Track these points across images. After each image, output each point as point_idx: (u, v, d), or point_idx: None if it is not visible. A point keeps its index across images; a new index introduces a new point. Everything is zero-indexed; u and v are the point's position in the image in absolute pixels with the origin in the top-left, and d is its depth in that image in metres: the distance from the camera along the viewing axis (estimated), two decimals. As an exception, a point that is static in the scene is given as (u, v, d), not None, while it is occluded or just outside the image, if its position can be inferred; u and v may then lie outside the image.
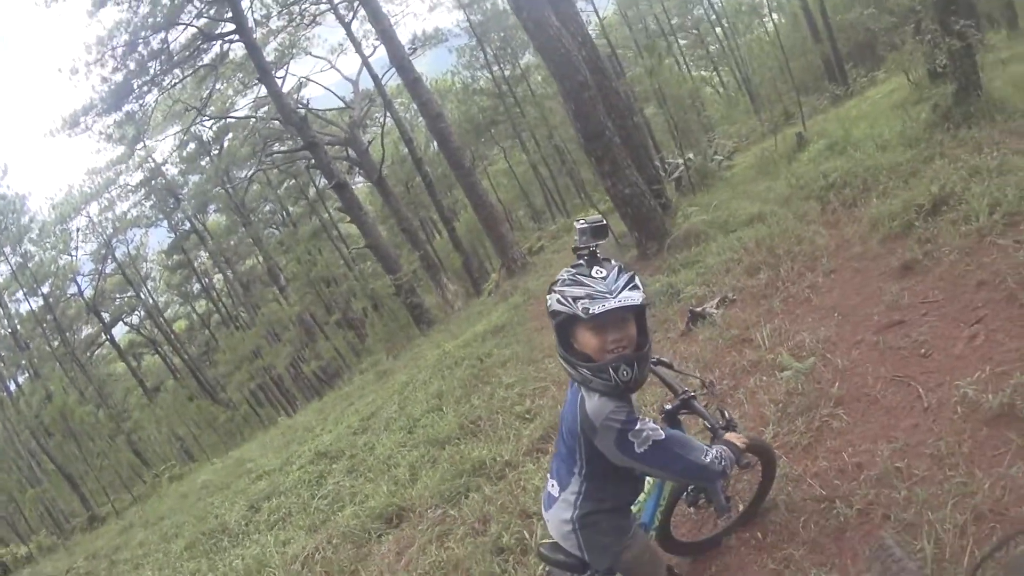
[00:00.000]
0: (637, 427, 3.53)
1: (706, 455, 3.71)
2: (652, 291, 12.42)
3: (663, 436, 3.58)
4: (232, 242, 55.07)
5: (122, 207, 53.95)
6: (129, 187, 52.68)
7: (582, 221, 3.68)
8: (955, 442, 5.05)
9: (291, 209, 58.35)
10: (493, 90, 53.58)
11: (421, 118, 36.28)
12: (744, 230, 13.07)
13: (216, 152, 47.91)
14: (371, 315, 47.60)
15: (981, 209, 8.20)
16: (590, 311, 3.38)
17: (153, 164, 51.39)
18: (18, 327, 51.33)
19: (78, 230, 53.17)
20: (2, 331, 51.28)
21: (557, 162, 51.04)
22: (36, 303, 51.97)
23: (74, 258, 54.01)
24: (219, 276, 60.07)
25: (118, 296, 58.28)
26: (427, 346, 24.60)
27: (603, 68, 18.35)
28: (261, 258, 54.22)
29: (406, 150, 41.53)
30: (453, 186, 46.48)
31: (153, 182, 52.04)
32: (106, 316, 56.83)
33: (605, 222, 3.71)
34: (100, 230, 53.44)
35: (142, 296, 57.82)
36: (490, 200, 31.26)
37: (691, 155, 21.11)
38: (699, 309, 10.16)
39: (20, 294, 51.00)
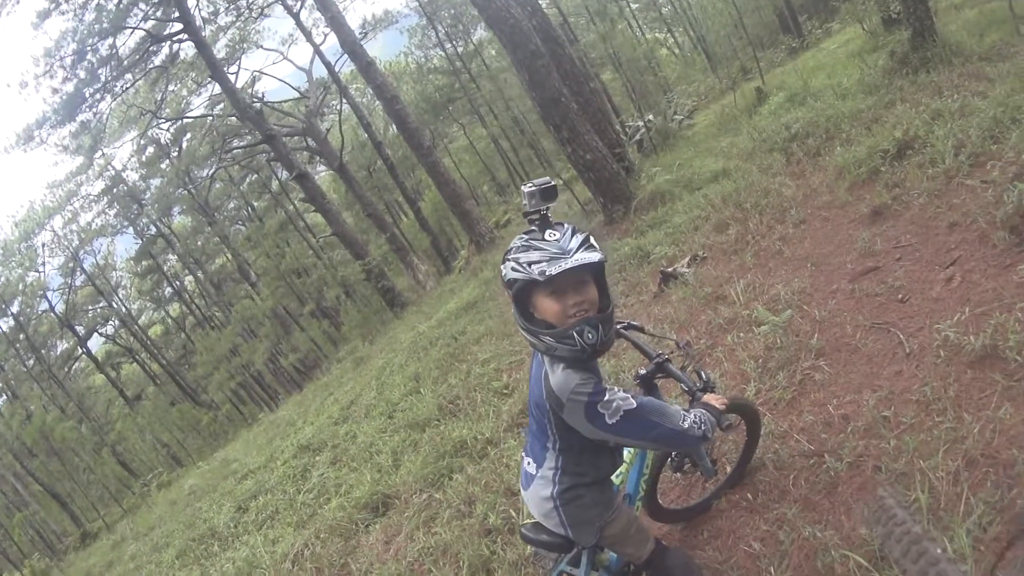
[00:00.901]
0: (606, 398, 3.35)
1: (684, 420, 3.55)
2: (621, 254, 12.43)
3: (634, 404, 3.40)
4: (200, 242, 54.75)
5: (86, 218, 53.53)
6: (91, 197, 52.11)
7: (529, 184, 3.54)
8: (940, 387, 4.98)
9: (256, 204, 57.90)
10: (448, 68, 53.05)
11: (378, 102, 36.05)
12: (710, 187, 12.97)
13: (175, 154, 47.17)
14: (345, 303, 47.48)
15: (946, 151, 8.17)
16: (547, 272, 3.23)
17: (113, 172, 50.77)
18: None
19: (43, 245, 52.68)
20: None
21: (517, 134, 50.58)
22: (7, 323, 51.57)
23: (42, 274, 53.54)
24: (190, 278, 59.80)
25: (90, 308, 57.87)
26: (402, 329, 24.60)
27: (555, 36, 18.17)
28: (230, 256, 53.97)
29: (365, 135, 41.38)
30: (415, 167, 46.39)
31: (115, 190, 51.45)
32: (80, 329, 56.44)
33: (553, 183, 3.53)
34: (66, 243, 53.03)
35: (115, 305, 57.44)
36: (453, 178, 31.07)
37: (651, 116, 20.98)
38: (670, 269, 10.04)
39: None
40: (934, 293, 6.10)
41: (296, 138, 40.33)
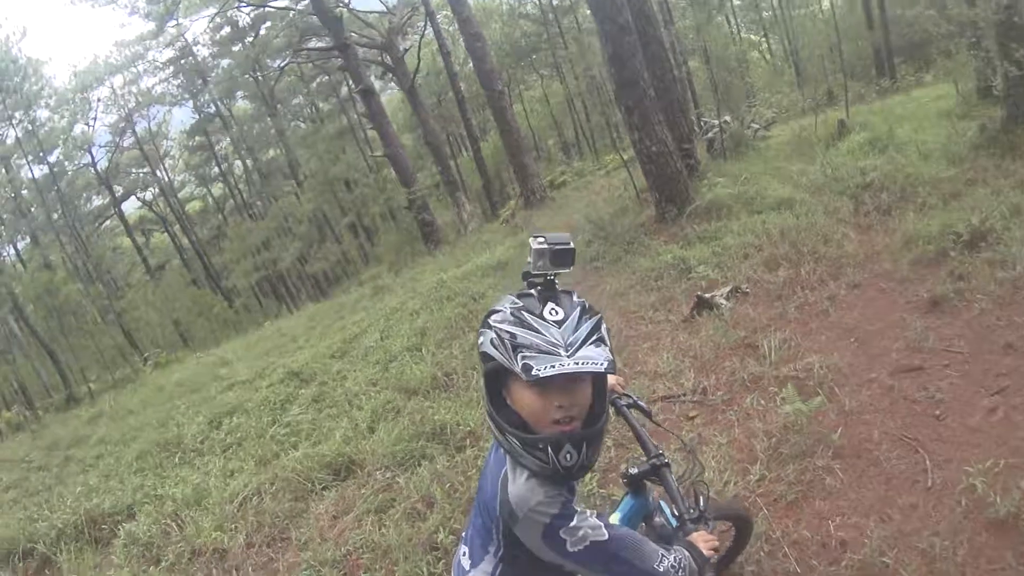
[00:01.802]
0: (573, 523, 2.59)
1: (660, 562, 2.80)
2: (663, 261, 11.80)
3: (606, 536, 2.65)
4: (256, 130, 54.34)
5: (147, 82, 53.59)
6: (157, 63, 52.12)
7: (540, 238, 2.75)
8: (951, 544, 4.39)
9: (321, 105, 57.48)
10: (539, 17, 51.87)
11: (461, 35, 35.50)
12: (770, 214, 12.21)
13: (250, 39, 47.00)
14: (383, 225, 47.08)
15: (1020, 257, 7.50)
16: (533, 371, 2.41)
17: (184, 43, 50.63)
18: (23, 192, 50.94)
19: (99, 100, 52.62)
20: (5, 195, 50.95)
21: (593, 99, 49.23)
22: (41, 170, 51.61)
23: (91, 128, 53.63)
24: (239, 163, 59.37)
25: (133, 171, 57.92)
26: (429, 269, 24.09)
27: (649, 14, 17.36)
28: (283, 150, 53.46)
29: (442, 64, 40.68)
30: (485, 106, 45.60)
31: (182, 61, 51.37)
32: (119, 189, 56.48)
33: (571, 245, 2.76)
34: (122, 103, 53.02)
35: (158, 174, 57.44)
36: (517, 127, 30.60)
37: (728, 118, 20.24)
38: (708, 296, 9.33)
39: (27, 160, 50.45)
40: (973, 421, 5.48)
41: (373, 52, 39.79)
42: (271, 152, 56.59)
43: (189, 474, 10.49)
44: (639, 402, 3.75)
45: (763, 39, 53.29)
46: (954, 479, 4.90)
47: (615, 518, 3.50)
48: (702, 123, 21.01)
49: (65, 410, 29.31)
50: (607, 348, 2.56)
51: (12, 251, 55.06)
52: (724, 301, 9.14)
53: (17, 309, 40.54)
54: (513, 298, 2.67)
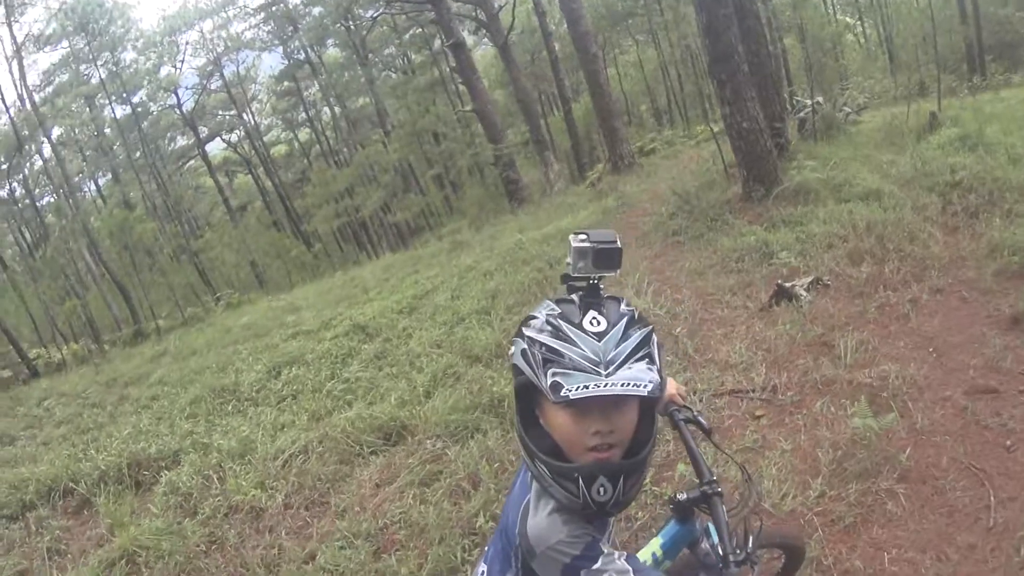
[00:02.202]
0: (596, 566, 2.23)
1: None
2: (746, 243, 11.59)
3: None
4: (345, 78, 54.31)
5: (237, 27, 54.15)
6: (247, 9, 52.56)
7: (582, 236, 2.39)
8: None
9: (413, 56, 56.97)
10: None
11: (558, -7, 35.16)
12: (858, 204, 11.86)
13: (345, -13, 46.70)
14: (469, 179, 46.96)
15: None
16: (562, 391, 2.09)
17: (276, -11, 50.62)
18: (106, 131, 51.56)
19: (187, 44, 53.25)
20: (88, 132, 51.64)
21: (687, 69, 48.39)
22: (124, 110, 52.35)
23: (178, 70, 54.37)
24: (327, 110, 59.41)
25: (219, 113, 58.43)
26: (509, 227, 23.98)
27: (746, -14, 17.10)
28: (372, 99, 53.36)
29: (537, 22, 40.29)
30: (579, 67, 45.11)
31: (273, 8, 51.56)
32: (203, 131, 57.02)
33: (618, 243, 2.39)
34: (211, 47, 53.64)
35: (244, 117, 57.86)
36: (609, 91, 30.28)
37: (820, 99, 19.78)
38: (788, 285, 9.06)
39: (109, 100, 51.14)
40: (1043, 458, 5.18)
41: (467, 7, 39.57)
42: (360, 101, 56.35)
43: (239, 424, 10.53)
44: (699, 417, 3.22)
45: (858, 22, 52.17)
46: (1016, 521, 4.65)
47: (656, 544, 3.20)
48: (795, 101, 20.57)
49: (132, 345, 29.63)
50: (656, 367, 2.21)
51: (93, 187, 56.08)
52: (804, 292, 8.89)
53: (93, 244, 41.03)
54: (552, 304, 2.33)
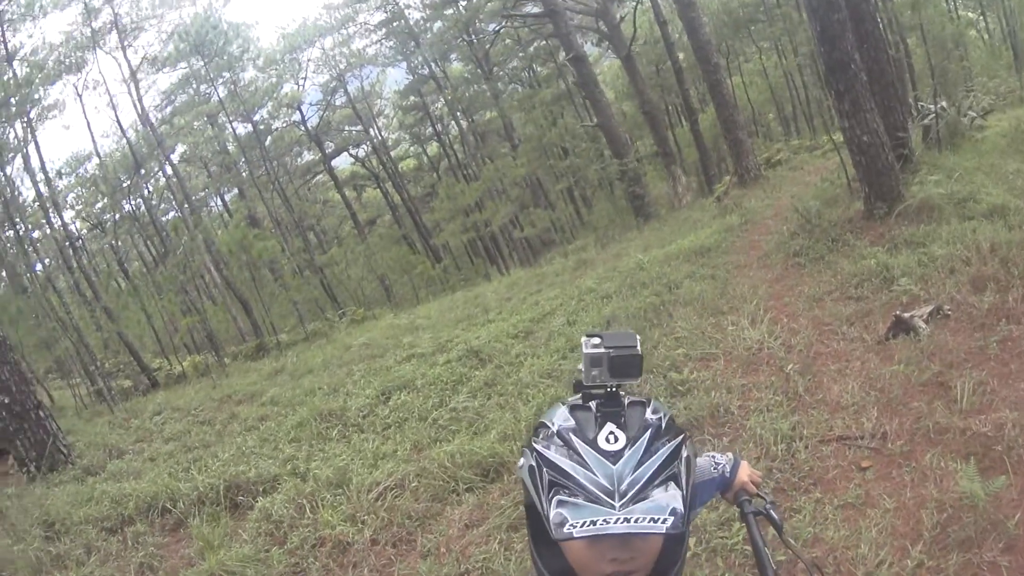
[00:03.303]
0: None
1: None
2: (866, 267, 11.19)
3: None
4: (469, 93, 54.48)
5: (359, 44, 54.77)
6: (368, 26, 53.05)
7: (594, 339, 2.11)
8: None
9: (538, 69, 56.84)
10: None
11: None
12: (982, 222, 11.29)
13: (463, 3, 47.17)
14: (599, 193, 46.75)
15: None
16: (565, 527, 1.80)
17: (395, 6, 51.15)
18: (228, 148, 52.72)
19: (309, 60, 54.05)
20: (211, 149, 52.94)
21: (809, 76, 47.09)
22: (246, 128, 53.52)
23: (301, 87, 55.25)
24: (454, 124, 59.65)
25: (346, 128, 59.13)
26: (634, 244, 24.09)
27: (861, -13, 16.56)
28: (498, 112, 53.42)
29: (659, 32, 39.90)
30: (703, 77, 44.78)
31: (394, 24, 51.80)
32: (330, 146, 57.88)
33: (637, 349, 2.08)
34: (333, 63, 54.17)
35: (371, 132, 58.44)
36: (733, 102, 30.04)
37: (944, 104, 19.08)
38: (907, 316, 8.65)
39: (227, 119, 52.31)
40: None
41: (589, 18, 39.42)
42: (487, 114, 56.41)
43: (341, 451, 10.58)
44: (771, 511, 2.73)
45: (980, 17, 50.45)
46: None
47: None
48: (919, 107, 19.93)
49: (254, 359, 30.26)
50: (682, 491, 1.88)
51: (220, 202, 57.48)
52: (923, 324, 8.46)
53: (215, 259, 41.99)
54: (566, 411, 2.04)
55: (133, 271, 50.88)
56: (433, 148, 64.05)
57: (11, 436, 14.43)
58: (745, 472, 2.86)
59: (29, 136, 37.27)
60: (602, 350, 2.06)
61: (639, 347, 2.08)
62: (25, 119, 36.88)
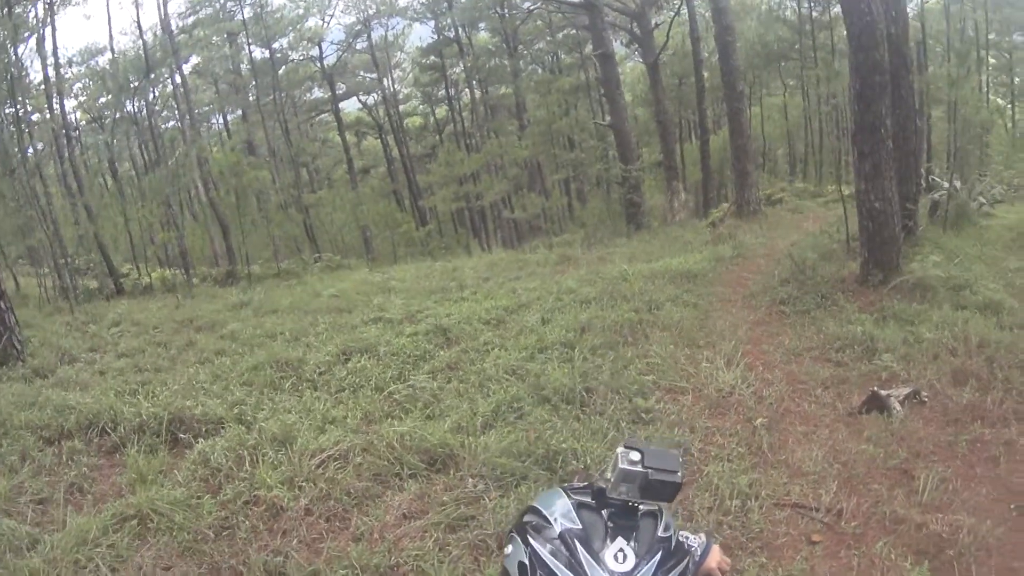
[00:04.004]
0: None
1: None
2: (850, 333, 11.12)
3: None
4: (490, 64, 54.19)
5: (393, -8, 54.11)
6: (406, -24, 52.48)
7: (635, 452, 2.03)
8: None
9: (563, 56, 56.72)
10: (796, 24, 49.13)
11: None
12: (974, 314, 11.27)
13: (504, -27, 46.75)
14: (596, 191, 46.68)
15: None
16: None
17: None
18: (243, 69, 52.43)
19: None
20: (224, 67, 52.58)
21: (830, 125, 47.08)
22: (263, 54, 53.33)
23: (325, 24, 55.04)
24: (467, 92, 59.38)
25: (361, 73, 58.82)
26: (621, 252, 24.02)
27: (905, 54, 16.37)
28: (514, 89, 53.17)
29: (690, 47, 39.79)
30: (723, 100, 44.64)
31: (431, -21, 51.39)
32: (341, 87, 57.55)
33: (679, 477, 2.02)
34: (363, 6, 53.87)
35: (384, 82, 58.18)
36: (748, 132, 30.10)
37: (957, 184, 19.06)
38: (884, 394, 8.59)
39: (247, 42, 52.40)
40: None
41: (624, 18, 39.29)
42: (503, 89, 56.14)
43: (292, 406, 10.36)
44: None
45: (1009, 106, 50.37)
46: None
47: None
48: (931, 180, 19.90)
49: (223, 284, 30.31)
50: None
51: (221, 121, 57.14)
52: (898, 406, 8.41)
53: (206, 177, 41.87)
54: (571, 507, 1.96)
55: (122, 173, 50.49)
56: (442, 111, 63.69)
57: (-33, 325, 14.22)
58: (715, 558, 2.75)
59: (48, 19, 36.89)
60: (640, 468, 1.98)
61: (680, 473, 2.01)
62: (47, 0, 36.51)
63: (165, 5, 43.87)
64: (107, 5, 71.16)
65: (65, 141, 38.92)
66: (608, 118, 38.93)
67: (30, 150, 36.88)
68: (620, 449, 2.05)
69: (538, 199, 45.02)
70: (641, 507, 2.01)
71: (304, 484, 7.69)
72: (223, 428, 9.48)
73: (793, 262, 15.13)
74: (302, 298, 21.41)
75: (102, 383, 12.62)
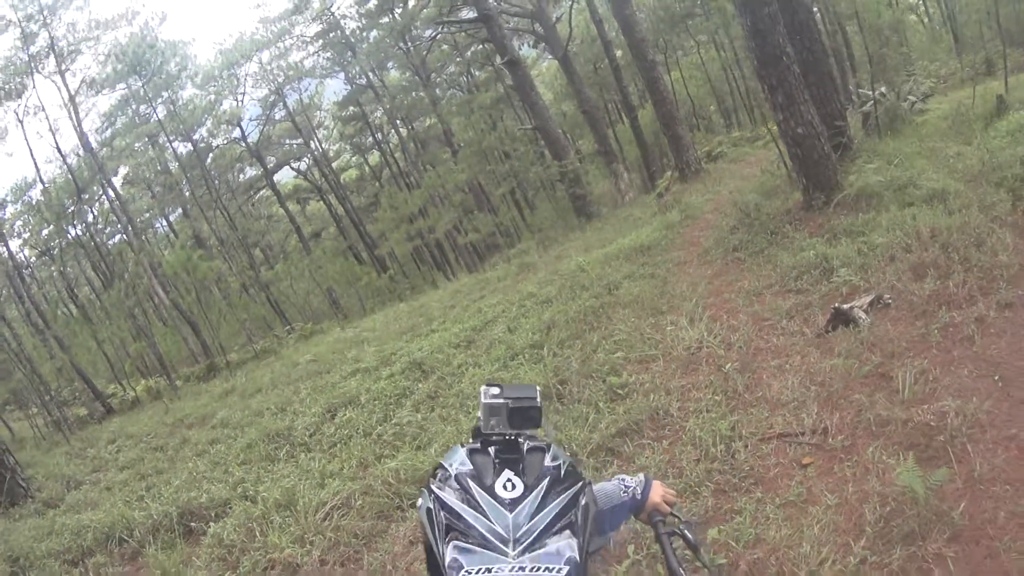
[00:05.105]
0: None
1: None
2: (804, 259, 11.08)
3: None
4: (407, 100, 54.40)
5: (296, 56, 54.91)
6: (305, 38, 53.12)
7: (495, 388, 2.16)
8: None
9: (476, 73, 56.75)
10: None
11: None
12: (922, 208, 11.08)
13: (399, 11, 47.07)
14: (542, 194, 46.76)
15: None
16: (461, 572, 1.77)
17: (330, 17, 51.29)
18: (171, 168, 52.75)
19: (247, 76, 54.17)
20: (153, 170, 52.99)
21: (750, 67, 46.97)
22: (187, 147, 53.73)
23: (240, 103, 55.38)
24: (394, 132, 59.54)
25: (287, 142, 59.20)
26: (575, 246, 24.48)
27: (790, -23, 16.42)
28: (438, 118, 53.42)
29: (596, 31, 39.94)
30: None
31: (330, 35, 51.91)
32: (271, 160, 57.93)
33: (538, 400, 2.13)
34: (271, 77, 54.18)
35: (311, 144, 58.40)
36: (670, 97, 30.19)
37: (883, 90, 19.03)
38: (847, 307, 8.46)
39: (168, 139, 52.44)
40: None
41: (525, 20, 39.43)
42: (427, 121, 56.38)
43: (290, 471, 10.86)
44: (685, 530, 2.73)
45: (920, 1, 50.70)
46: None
47: None
48: (859, 94, 19.86)
49: (206, 380, 30.51)
50: (578, 539, 1.85)
51: (164, 223, 57.78)
52: (863, 315, 8.28)
53: (163, 280, 42.01)
54: (465, 453, 2.04)
55: (82, 297, 50.86)
56: (374, 158, 64.19)
57: (-30, 475, 14.59)
58: (658, 492, 2.79)
59: (-30, 164, 37.34)
60: (501, 400, 2.10)
61: (539, 398, 2.12)
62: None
63: (80, 125, 43.94)
64: (25, 138, 71.55)
65: (20, 281, 39.09)
66: (532, 121, 38.89)
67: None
68: (482, 388, 2.16)
69: (488, 218, 45.06)
70: (527, 443, 2.05)
71: (314, 538, 8.09)
72: (230, 508, 9.92)
73: (738, 208, 15.06)
74: (281, 371, 21.81)
75: (110, 498, 13.15)
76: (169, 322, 42.82)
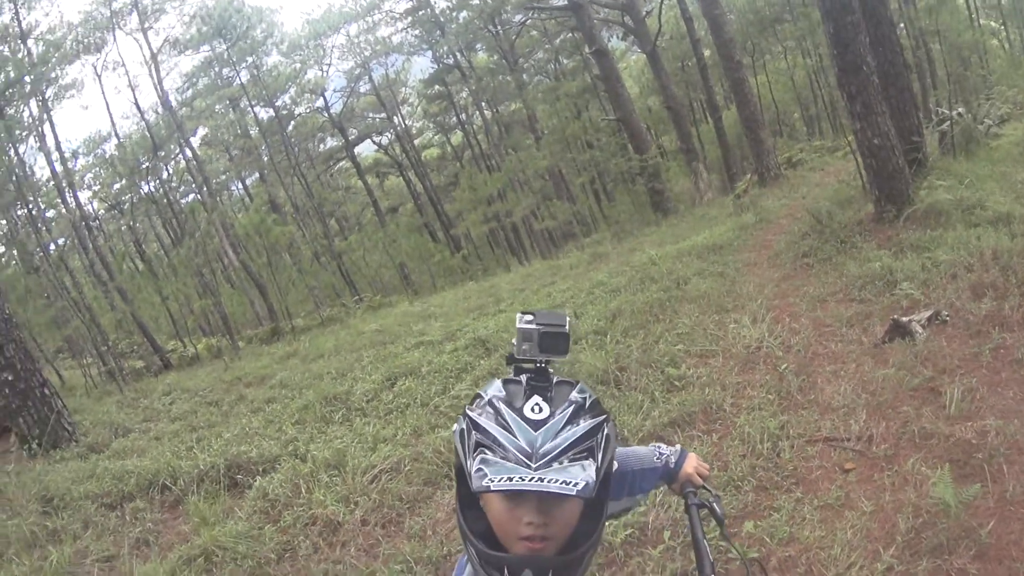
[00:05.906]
0: None
1: None
2: (871, 269, 11.17)
3: None
4: (495, 83, 54.20)
5: (384, 31, 54.41)
6: (394, 14, 52.72)
7: (528, 316, 2.27)
8: None
9: (564, 61, 56.44)
10: None
11: (701, -1, 34.67)
12: (987, 229, 11.20)
13: (491, -8, 46.77)
14: (621, 187, 46.59)
15: None
16: (483, 479, 1.88)
17: (421, -7, 51.05)
18: (251, 132, 52.92)
19: (333, 47, 54.02)
20: (233, 133, 52.99)
21: (830, 76, 46.42)
22: (268, 113, 53.67)
23: (324, 73, 55.18)
24: (478, 114, 59.36)
25: (369, 115, 59.04)
26: (649, 240, 24.42)
27: (878, -11, 16.42)
28: (523, 103, 53.25)
29: (684, 28, 39.71)
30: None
31: (420, 12, 51.55)
32: (353, 132, 57.81)
33: (566, 328, 2.25)
34: (358, 51, 54.08)
35: (395, 120, 58.40)
36: (754, 101, 30.13)
37: (961, 110, 18.93)
38: (905, 320, 8.62)
39: (250, 104, 52.45)
40: None
41: (615, 12, 39.30)
42: (512, 105, 56.01)
43: (344, 434, 10.78)
44: (714, 504, 2.78)
45: (1002, 26, 49.78)
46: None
47: None
48: (938, 112, 19.82)
49: (268, 342, 30.44)
50: (597, 464, 1.98)
51: (240, 186, 57.95)
52: (920, 329, 8.43)
53: (234, 242, 42.12)
54: (499, 384, 2.19)
55: (150, 252, 51.03)
56: (457, 137, 63.96)
57: (14, 413, 14.52)
58: (692, 464, 2.91)
59: (44, 116, 37.38)
60: (533, 326, 2.22)
61: (567, 326, 2.24)
62: (40, 98, 36.92)
63: (161, 83, 44.18)
64: (103, 92, 71.84)
65: (86, 232, 39.39)
66: (616, 113, 38.81)
67: (52, 246, 37.37)
68: (517, 314, 2.27)
69: (565, 205, 44.97)
70: (556, 377, 2.18)
71: (359, 499, 8.09)
72: (278, 465, 9.83)
73: (811, 215, 15.17)
74: (346, 339, 21.72)
75: (158, 447, 13.00)
76: (236, 284, 43.10)
